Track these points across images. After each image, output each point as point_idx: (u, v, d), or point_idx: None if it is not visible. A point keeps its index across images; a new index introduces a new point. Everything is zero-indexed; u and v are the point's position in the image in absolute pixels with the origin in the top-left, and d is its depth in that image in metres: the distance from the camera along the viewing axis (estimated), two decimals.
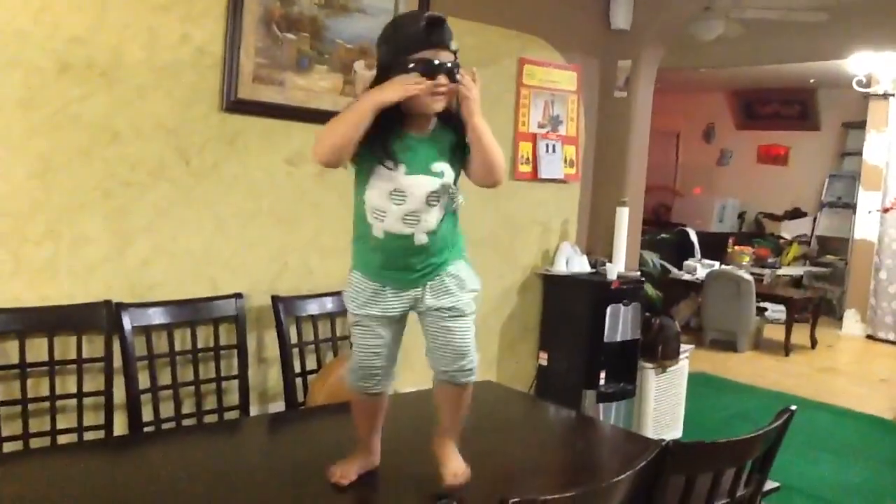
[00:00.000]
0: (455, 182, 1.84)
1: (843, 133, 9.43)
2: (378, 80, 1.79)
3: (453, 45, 1.77)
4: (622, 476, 1.40)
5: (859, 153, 8.48)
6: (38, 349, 2.48)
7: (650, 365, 4.15)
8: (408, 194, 1.78)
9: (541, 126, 3.99)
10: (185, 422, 2.71)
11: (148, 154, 2.72)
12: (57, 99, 2.53)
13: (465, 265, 1.92)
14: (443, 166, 1.83)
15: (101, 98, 2.59)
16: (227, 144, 2.92)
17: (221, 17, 2.83)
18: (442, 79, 1.73)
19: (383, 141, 1.77)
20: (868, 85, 7.66)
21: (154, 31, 2.70)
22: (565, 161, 4.10)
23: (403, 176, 1.78)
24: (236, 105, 2.89)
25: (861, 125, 8.46)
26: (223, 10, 2.83)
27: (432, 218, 1.82)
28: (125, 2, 2.64)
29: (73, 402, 2.53)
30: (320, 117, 3.01)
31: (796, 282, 8.75)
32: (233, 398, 2.83)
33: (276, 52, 2.97)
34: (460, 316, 1.88)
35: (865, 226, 8.18)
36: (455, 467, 1.90)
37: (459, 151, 1.84)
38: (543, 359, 4.05)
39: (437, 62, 1.73)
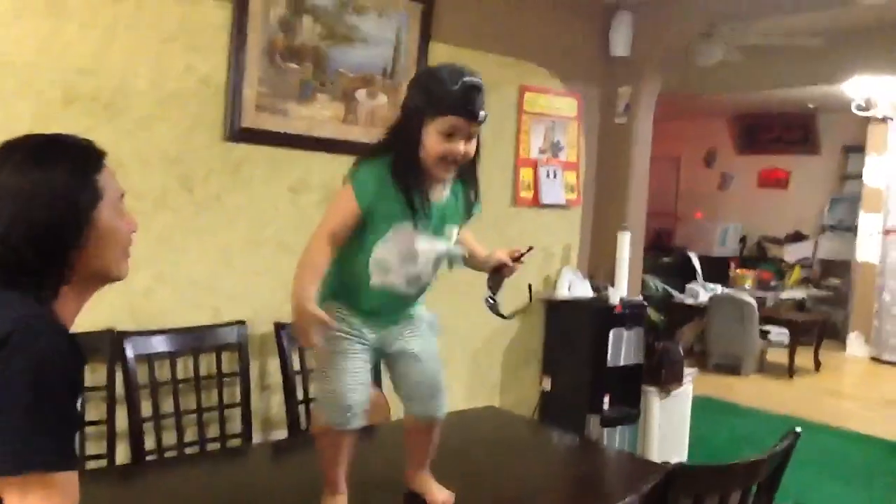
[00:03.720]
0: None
1: (843, 156, 9.46)
2: (402, 123, 1.77)
3: (482, 115, 1.73)
4: (627, 500, 1.40)
5: (860, 176, 8.51)
6: None
7: (654, 389, 4.14)
8: (420, 258, 1.79)
9: (542, 152, 4.02)
10: (188, 450, 2.71)
11: (152, 183, 2.74)
12: (63, 130, 2.54)
13: (425, 308, 1.97)
14: (454, 230, 1.86)
15: (106, 128, 2.62)
16: (230, 173, 2.94)
17: (225, 48, 2.87)
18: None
19: (421, 202, 1.75)
20: (867, 108, 7.69)
21: (159, 61, 2.74)
22: (566, 187, 4.12)
23: (420, 238, 1.78)
24: (240, 134, 2.91)
25: (861, 149, 8.49)
26: (226, 40, 2.87)
27: (431, 277, 1.87)
28: (131, 33, 2.67)
29: None
30: (323, 146, 3.08)
31: (799, 305, 8.73)
32: (235, 426, 2.82)
33: (279, 82, 3.00)
34: (432, 356, 1.93)
35: (867, 248, 8.18)
36: (440, 497, 1.93)
37: (466, 213, 1.89)
38: (546, 384, 4.04)
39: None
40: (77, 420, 1.16)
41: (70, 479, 1.11)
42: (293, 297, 1.69)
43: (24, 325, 1.11)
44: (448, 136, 1.71)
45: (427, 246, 1.79)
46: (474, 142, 1.76)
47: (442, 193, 1.81)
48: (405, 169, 1.73)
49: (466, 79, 1.70)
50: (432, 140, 1.71)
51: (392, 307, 1.86)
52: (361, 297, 1.82)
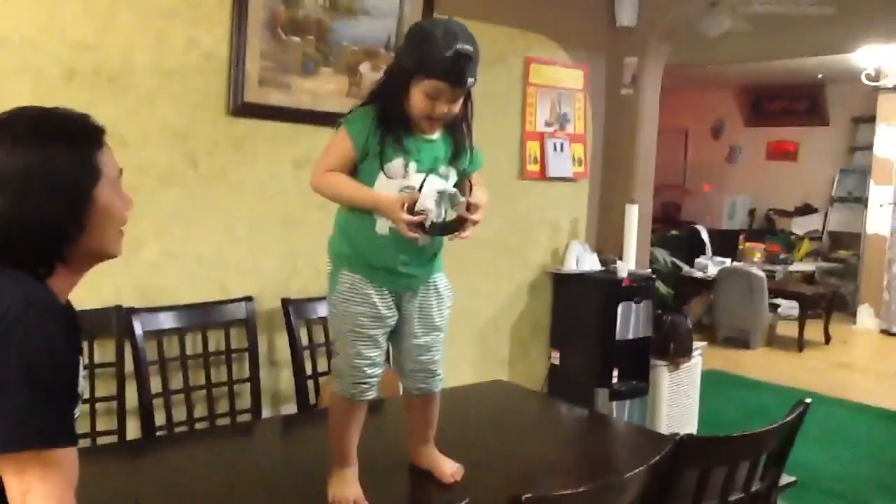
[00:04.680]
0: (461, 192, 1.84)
1: (852, 127, 9.38)
2: (390, 80, 1.80)
3: (470, 81, 1.74)
4: (636, 471, 1.39)
5: (869, 147, 8.43)
6: None
7: (663, 362, 4.13)
8: (420, 194, 1.77)
9: (548, 124, 3.98)
10: (198, 425, 2.72)
11: (156, 159, 2.73)
12: (65, 106, 2.54)
13: (445, 277, 1.95)
14: (449, 171, 1.85)
15: (108, 104, 2.60)
16: (234, 148, 2.92)
17: (227, 22, 2.84)
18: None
19: (395, 138, 1.77)
20: (877, 78, 7.59)
21: (161, 36, 2.71)
22: (573, 159, 4.09)
23: (415, 173, 1.78)
24: (243, 109, 2.89)
25: (871, 119, 8.41)
26: (228, 14, 2.84)
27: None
28: (132, 8, 2.65)
29: (86, 406, 2.53)
30: (327, 120, 3.03)
31: (808, 277, 8.70)
32: (245, 401, 2.83)
33: (282, 56, 2.97)
34: (438, 333, 1.91)
35: (877, 220, 8.12)
36: (449, 468, 1.93)
37: (461, 162, 1.87)
38: (555, 357, 4.04)
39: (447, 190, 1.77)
40: (75, 398, 1.15)
41: (68, 455, 1.10)
42: (368, 202, 1.77)
43: (18, 305, 1.09)
44: (433, 98, 1.74)
45: (422, 178, 1.77)
46: (459, 102, 1.79)
47: (432, 132, 1.82)
48: (392, 118, 1.77)
49: (459, 46, 1.69)
50: (417, 98, 1.75)
51: (406, 261, 1.82)
52: (373, 252, 1.80)
